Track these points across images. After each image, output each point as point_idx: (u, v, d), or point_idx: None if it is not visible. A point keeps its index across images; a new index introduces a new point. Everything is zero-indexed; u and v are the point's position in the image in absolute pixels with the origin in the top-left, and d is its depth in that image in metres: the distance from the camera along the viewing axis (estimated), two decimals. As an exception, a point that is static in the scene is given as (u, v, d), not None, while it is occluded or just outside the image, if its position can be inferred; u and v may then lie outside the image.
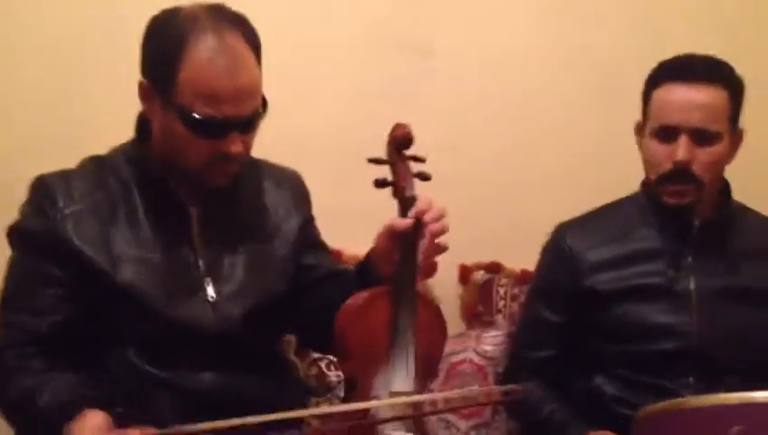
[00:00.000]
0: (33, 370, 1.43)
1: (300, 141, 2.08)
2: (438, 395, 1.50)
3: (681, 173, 1.66)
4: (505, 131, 2.24)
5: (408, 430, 1.40)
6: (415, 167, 1.52)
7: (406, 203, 1.49)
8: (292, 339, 1.87)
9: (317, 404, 1.85)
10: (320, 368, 1.92)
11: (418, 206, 1.47)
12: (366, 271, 1.53)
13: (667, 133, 1.67)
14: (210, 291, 1.49)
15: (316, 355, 1.92)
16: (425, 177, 1.52)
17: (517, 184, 2.24)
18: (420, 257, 1.47)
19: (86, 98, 2.07)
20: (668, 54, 1.75)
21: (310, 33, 2.17)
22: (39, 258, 1.47)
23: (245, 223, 1.56)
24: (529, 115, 2.25)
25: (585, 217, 1.84)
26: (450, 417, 1.95)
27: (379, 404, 1.38)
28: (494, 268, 2.15)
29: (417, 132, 1.54)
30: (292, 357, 1.90)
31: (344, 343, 1.45)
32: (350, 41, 2.19)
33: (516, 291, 2.10)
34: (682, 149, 1.64)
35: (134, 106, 1.50)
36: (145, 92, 1.46)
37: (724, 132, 1.68)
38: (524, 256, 1.97)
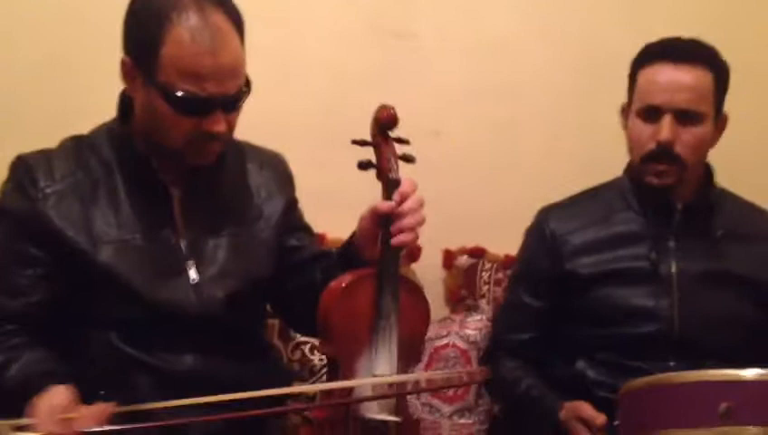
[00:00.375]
0: (7, 346, 1.42)
1: (283, 124, 2.07)
2: (421, 375, 1.49)
3: (664, 153, 1.67)
4: (490, 115, 2.24)
5: (390, 413, 1.40)
6: (399, 149, 1.51)
7: (390, 185, 1.48)
8: (275, 322, 1.87)
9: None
10: (303, 352, 1.92)
11: (402, 188, 1.47)
12: (349, 253, 1.53)
13: (652, 113, 1.68)
14: (192, 273, 1.48)
15: (300, 339, 1.91)
16: (409, 159, 1.51)
17: (501, 169, 2.24)
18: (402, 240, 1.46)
19: (85, 74, 2.06)
20: (654, 38, 1.75)
21: (294, 14, 2.16)
22: (18, 238, 1.45)
23: (228, 205, 1.55)
24: (513, 99, 2.25)
25: (568, 200, 1.85)
26: (434, 401, 1.96)
27: (362, 383, 1.39)
28: (478, 253, 2.15)
29: (401, 116, 1.53)
30: (276, 341, 1.90)
31: (327, 326, 1.45)
32: (334, 23, 2.18)
33: (500, 276, 2.11)
34: (666, 128, 1.65)
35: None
36: (127, 70, 1.44)
37: (708, 114, 1.69)
38: (508, 241, 1.97)
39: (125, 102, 1.50)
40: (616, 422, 1.49)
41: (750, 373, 1.29)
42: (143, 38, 1.40)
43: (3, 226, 1.48)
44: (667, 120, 1.65)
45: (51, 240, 1.44)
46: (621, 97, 1.77)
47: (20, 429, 1.25)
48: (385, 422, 1.41)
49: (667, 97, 1.66)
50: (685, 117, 1.66)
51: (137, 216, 1.47)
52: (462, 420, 1.96)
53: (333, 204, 1.90)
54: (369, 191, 1.52)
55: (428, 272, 2.08)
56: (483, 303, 2.09)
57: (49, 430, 1.25)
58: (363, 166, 1.49)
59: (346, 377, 1.42)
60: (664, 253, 1.72)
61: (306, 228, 1.67)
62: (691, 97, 1.66)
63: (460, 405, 1.96)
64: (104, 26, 1.97)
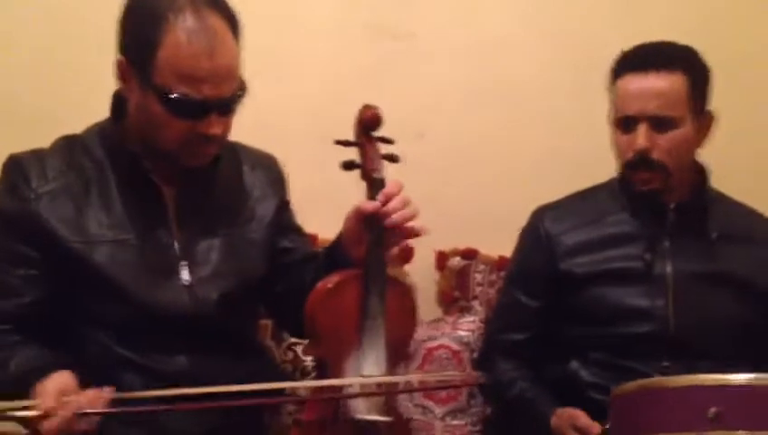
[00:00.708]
0: (9, 342, 1.43)
1: (276, 123, 2.07)
2: (412, 377, 1.50)
3: (643, 161, 1.68)
4: (485, 116, 2.23)
5: (380, 414, 1.41)
6: (383, 148, 1.51)
7: (374, 185, 1.48)
8: (268, 323, 1.87)
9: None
10: (295, 353, 1.92)
11: (387, 188, 1.47)
12: (336, 254, 1.53)
13: (628, 123, 1.69)
14: (185, 274, 1.49)
15: (292, 340, 1.91)
16: (393, 158, 1.51)
17: (495, 170, 2.24)
18: (392, 241, 1.46)
19: (71, 74, 2.06)
20: (646, 35, 1.75)
21: (288, 14, 2.16)
22: (11, 238, 1.46)
23: (222, 206, 1.55)
24: (508, 100, 2.24)
25: (562, 201, 1.85)
26: (426, 402, 1.96)
27: (350, 382, 1.39)
28: (471, 254, 2.14)
29: (391, 116, 1.54)
30: (268, 341, 1.90)
31: (314, 327, 1.45)
32: (330, 23, 2.18)
33: (493, 277, 2.10)
34: (641, 137, 1.67)
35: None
36: (122, 71, 1.44)
37: (684, 117, 1.69)
38: (501, 243, 1.97)
39: (118, 102, 1.50)
40: (607, 425, 1.49)
41: (740, 378, 1.29)
42: (139, 39, 1.41)
43: None
44: (641, 129, 1.67)
45: (44, 240, 1.44)
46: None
47: (22, 409, 1.27)
48: (374, 423, 1.41)
49: (639, 106, 1.67)
50: (659, 123, 1.67)
51: (130, 216, 1.48)
52: (455, 422, 1.95)
53: (326, 204, 1.89)
54: (361, 191, 1.52)
55: (421, 273, 2.07)
56: (476, 304, 2.09)
57: (50, 410, 1.27)
58: (347, 166, 1.50)
59: (334, 377, 1.42)
60: (658, 253, 1.72)
61: (298, 230, 1.67)
62: (662, 103, 1.66)
63: (453, 406, 1.96)
64: (97, 26, 1.98)
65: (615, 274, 1.71)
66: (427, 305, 2.04)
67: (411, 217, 1.46)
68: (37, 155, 1.50)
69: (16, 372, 1.37)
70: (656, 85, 1.66)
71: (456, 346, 1.99)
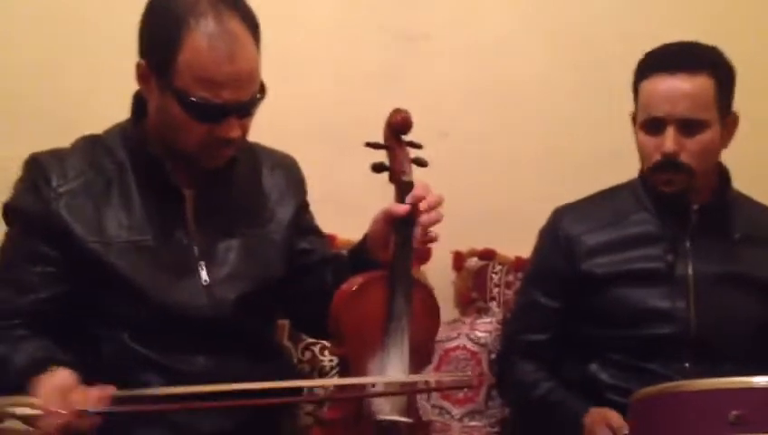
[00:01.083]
0: (13, 336, 1.42)
1: (293, 125, 2.07)
2: (433, 377, 1.50)
3: (670, 164, 1.67)
4: (499, 116, 2.24)
5: (401, 415, 1.41)
6: (412, 152, 1.52)
7: (403, 188, 1.48)
8: (285, 323, 1.87)
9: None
10: (313, 353, 1.92)
11: (416, 191, 1.47)
12: (361, 256, 1.53)
13: (655, 125, 1.68)
14: (204, 275, 1.49)
15: (309, 340, 1.91)
16: (421, 163, 1.52)
17: (511, 170, 2.24)
18: (416, 243, 1.47)
19: (84, 74, 2.05)
20: (657, 38, 1.75)
21: (303, 16, 2.16)
22: (30, 236, 1.46)
23: (241, 207, 1.55)
24: (523, 99, 2.24)
25: (582, 201, 1.84)
26: (444, 403, 1.96)
27: (374, 380, 1.39)
28: (488, 255, 2.14)
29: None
30: (286, 342, 1.90)
31: (339, 327, 1.45)
32: (344, 24, 2.18)
33: (510, 278, 2.10)
34: (669, 140, 1.65)
35: (133, 83, 1.48)
36: (142, 73, 1.44)
37: (713, 119, 1.68)
38: (518, 243, 1.97)
39: (139, 103, 1.50)
40: (625, 432, 1.50)
41: (762, 380, 1.28)
42: (160, 43, 1.41)
43: (15, 224, 1.49)
44: (669, 132, 1.65)
45: (63, 240, 1.44)
46: (631, 97, 1.76)
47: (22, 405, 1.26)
48: (396, 423, 1.40)
49: (668, 108, 1.65)
50: (688, 126, 1.66)
51: (149, 217, 1.48)
52: (473, 423, 1.95)
53: (343, 205, 1.90)
54: (378, 193, 1.53)
55: (438, 274, 2.07)
56: (493, 305, 2.09)
57: (50, 407, 1.26)
58: (377, 169, 1.50)
59: (357, 376, 1.42)
60: (680, 254, 1.71)
61: (317, 231, 1.67)
62: (691, 105, 1.65)
63: (471, 408, 1.96)
64: (104, 28, 2.01)
65: (636, 275, 1.71)
66: (444, 306, 2.01)
67: (438, 220, 1.46)
68: (58, 155, 1.50)
69: (22, 362, 1.37)
70: (684, 87, 1.65)
71: (473, 347, 1.99)
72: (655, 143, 1.67)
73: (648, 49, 1.74)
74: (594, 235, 1.76)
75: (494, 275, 2.12)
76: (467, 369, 1.94)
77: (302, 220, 1.63)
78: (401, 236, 1.45)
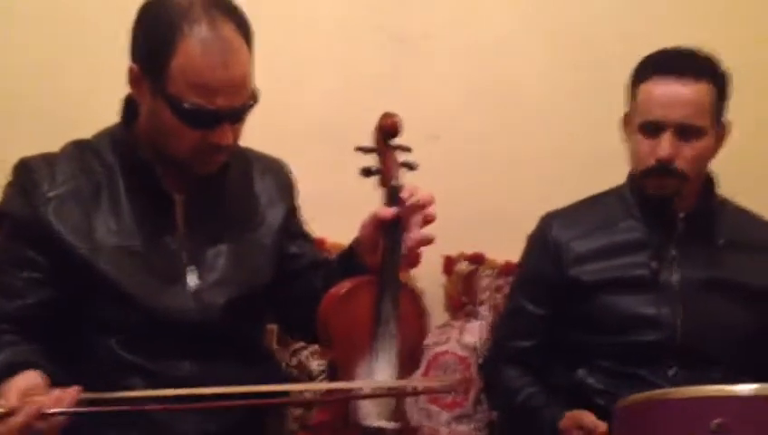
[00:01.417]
0: (1, 343, 1.42)
1: (284, 128, 2.07)
2: (420, 381, 1.50)
3: (664, 168, 1.67)
4: (491, 120, 2.24)
5: (389, 420, 1.41)
6: (401, 156, 1.52)
7: (392, 192, 1.48)
8: (274, 328, 1.87)
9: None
10: (301, 358, 1.92)
11: (405, 195, 1.47)
12: (350, 260, 1.53)
13: (652, 128, 1.68)
14: (192, 280, 1.49)
15: (298, 345, 1.91)
16: (411, 166, 1.52)
17: (502, 174, 2.24)
18: (405, 247, 1.47)
19: (79, 77, 2.06)
20: (654, 41, 1.75)
21: (291, 20, 2.16)
22: (18, 241, 1.46)
23: (230, 211, 1.55)
24: (515, 104, 2.25)
25: (571, 207, 1.85)
26: (432, 407, 1.96)
27: (360, 385, 1.39)
28: (478, 259, 2.15)
29: (402, 120, 1.53)
30: (274, 346, 1.90)
31: (327, 332, 1.45)
32: (338, 26, 2.18)
33: (500, 282, 2.11)
34: (666, 144, 1.65)
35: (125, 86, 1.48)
36: (135, 78, 1.44)
37: (709, 127, 1.68)
38: (508, 248, 1.98)
39: (129, 107, 1.50)
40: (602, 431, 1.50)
41: (744, 389, 1.28)
42: (153, 48, 1.40)
43: (4, 228, 1.49)
44: (666, 136, 1.65)
45: (51, 244, 1.44)
46: (624, 100, 1.77)
47: None
48: (383, 429, 1.40)
49: (666, 112, 1.65)
50: (685, 131, 1.66)
51: (138, 222, 1.48)
52: (460, 428, 1.96)
53: (333, 209, 1.90)
54: (369, 196, 1.53)
55: (428, 278, 2.08)
56: (482, 309, 2.09)
57: (13, 408, 1.25)
58: (366, 173, 1.50)
59: (345, 381, 1.42)
60: (666, 261, 1.72)
61: (306, 236, 1.67)
62: (690, 111, 1.65)
63: (458, 412, 1.96)
64: (101, 30, 2.01)
65: (623, 282, 1.72)
66: (433, 311, 2.04)
67: (432, 219, 1.46)
68: (47, 159, 1.50)
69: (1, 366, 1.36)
70: (684, 92, 1.65)
71: (462, 352, 1.99)
72: (651, 146, 1.67)
73: (647, 50, 1.74)
74: (582, 241, 1.76)
75: (483, 280, 2.12)
76: (456, 373, 1.94)
77: (292, 225, 1.63)
78: (389, 240, 1.46)
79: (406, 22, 2.20)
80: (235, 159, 1.54)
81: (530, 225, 1.87)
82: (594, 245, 1.75)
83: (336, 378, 1.45)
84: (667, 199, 1.71)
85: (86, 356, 1.45)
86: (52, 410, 1.26)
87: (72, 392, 1.29)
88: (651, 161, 1.68)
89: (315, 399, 1.55)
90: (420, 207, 1.46)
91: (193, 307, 1.47)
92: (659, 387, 1.57)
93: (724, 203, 1.81)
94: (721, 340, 1.69)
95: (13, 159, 1.51)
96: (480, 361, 1.97)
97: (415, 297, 1.53)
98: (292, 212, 1.64)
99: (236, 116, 1.43)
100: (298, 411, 1.82)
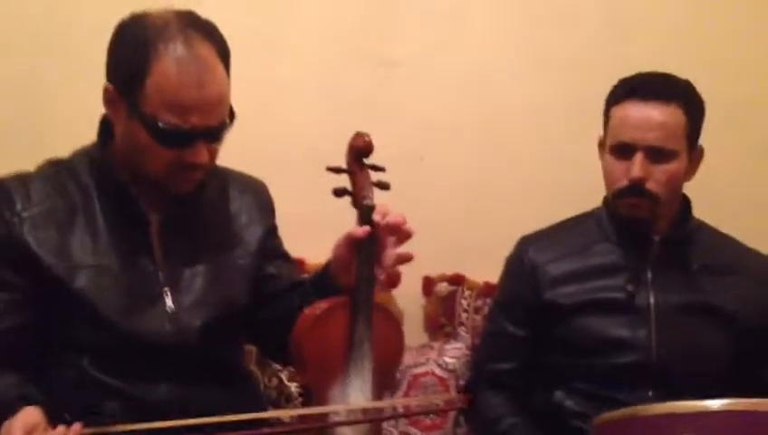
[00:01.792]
0: None
1: (265, 149, 2.08)
2: (397, 401, 1.49)
3: (636, 189, 1.68)
4: (470, 142, 2.25)
5: (366, 441, 1.40)
6: (374, 176, 1.52)
7: (364, 212, 1.48)
8: (252, 349, 1.86)
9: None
10: (280, 379, 1.91)
11: (377, 215, 1.47)
12: (324, 281, 1.53)
13: (624, 150, 1.69)
14: (169, 301, 1.48)
15: (277, 366, 1.90)
16: (384, 186, 1.52)
17: (481, 196, 2.25)
18: (384, 265, 1.46)
19: (57, 96, 2.06)
20: (637, 66, 1.77)
21: (274, 42, 2.17)
22: None
23: (207, 232, 1.55)
24: (494, 126, 2.26)
25: (547, 230, 1.85)
26: (411, 429, 1.95)
27: (335, 409, 1.38)
28: (458, 280, 2.15)
29: (380, 143, 1.54)
30: (253, 368, 1.89)
31: (300, 354, 1.44)
32: (315, 50, 2.19)
33: (479, 303, 2.11)
34: (637, 166, 1.67)
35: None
36: (110, 97, 1.44)
37: (681, 150, 1.70)
38: (488, 269, 1.98)
39: (105, 127, 1.50)
40: None
41: (714, 404, 1.29)
42: (128, 67, 1.40)
43: None
44: (638, 158, 1.67)
45: (26, 265, 1.43)
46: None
47: None
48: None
49: (638, 135, 1.67)
50: (656, 154, 1.67)
51: (114, 242, 1.47)
52: (439, 450, 1.95)
53: (314, 229, 1.89)
54: (349, 217, 1.53)
55: (408, 299, 2.08)
56: (462, 330, 2.09)
57: None
58: (338, 193, 1.50)
59: (320, 404, 1.41)
60: (642, 284, 1.73)
61: (285, 256, 1.67)
62: (662, 134, 1.67)
63: (438, 434, 1.95)
64: (79, 48, 2.02)
65: (599, 304, 1.72)
66: (413, 331, 2.04)
67: (408, 236, 1.46)
68: (22, 179, 1.49)
69: None
70: (656, 115, 1.67)
71: (441, 373, 1.99)
72: (622, 168, 1.69)
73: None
74: (558, 264, 1.77)
75: (463, 301, 2.12)
76: (436, 394, 1.93)
77: (270, 245, 1.63)
78: (363, 260, 1.45)
79: (388, 46, 2.21)
80: (212, 178, 1.54)
81: (509, 246, 1.87)
82: (570, 267, 1.76)
83: (311, 400, 1.44)
84: (640, 221, 1.72)
85: (60, 379, 1.44)
86: None
87: (76, 429, 1.28)
88: (623, 182, 1.69)
89: (292, 426, 1.53)
90: (394, 226, 1.45)
91: (169, 330, 1.46)
92: (634, 408, 1.57)
93: (701, 227, 1.81)
94: (696, 363, 1.69)
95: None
96: (461, 382, 1.96)
97: (390, 318, 1.53)
98: (270, 232, 1.63)
99: (212, 135, 1.43)
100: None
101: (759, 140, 2.30)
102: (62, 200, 1.48)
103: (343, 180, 1.52)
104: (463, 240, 2.20)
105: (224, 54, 1.43)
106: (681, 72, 1.75)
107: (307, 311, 1.46)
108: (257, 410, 1.50)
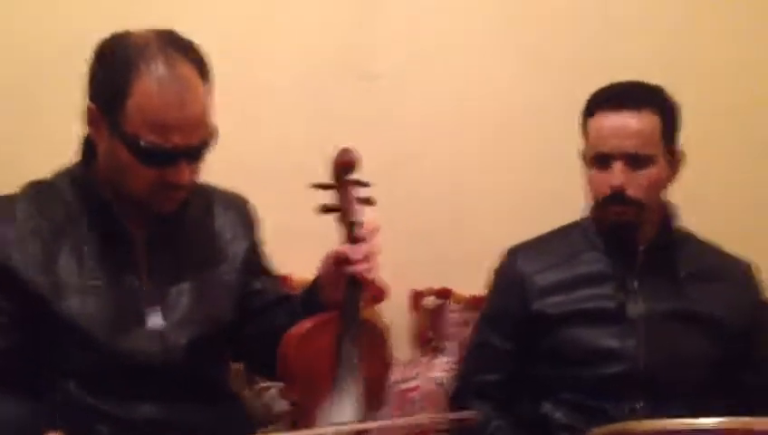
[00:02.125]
0: None
1: (249, 164, 2.07)
2: (384, 423, 1.48)
3: (618, 197, 1.70)
4: (456, 156, 2.24)
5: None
6: (360, 192, 1.52)
7: (350, 228, 1.48)
8: (239, 368, 1.85)
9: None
10: (268, 396, 1.89)
11: (362, 231, 1.47)
12: (312, 297, 1.53)
13: (603, 160, 1.71)
14: (155, 320, 1.47)
15: (263, 384, 1.89)
16: (369, 202, 1.52)
17: (468, 209, 2.24)
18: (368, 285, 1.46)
19: (32, 115, 2.05)
20: (619, 74, 1.78)
21: (255, 57, 2.17)
22: None
23: (192, 249, 1.54)
24: (479, 139, 2.25)
25: (534, 241, 1.86)
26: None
27: (323, 432, 1.37)
28: (445, 294, 2.14)
29: (364, 156, 1.54)
30: (240, 385, 1.87)
31: (288, 371, 1.44)
32: (295, 64, 2.19)
33: (467, 316, 2.09)
34: (616, 174, 1.69)
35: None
36: (92, 117, 1.44)
37: (659, 155, 1.72)
38: (475, 282, 1.96)
39: (88, 147, 1.49)
40: None
41: (709, 422, 1.29)
42: (109, 87, 1.40)
43: None
44: (617, 166, 1.69)
45: (12, 287, 1.42)
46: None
47: None
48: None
49: (615, 144, 1.69)
50: (635, 161, 1.70)
51: (99, 261, 1.46)
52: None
53: (299, 245, 1.88)
54: (335, 232, 1.52)
55: (395, 313, 2.07)
56: (450, 344, 2.08)
57: None
58: (324, 210, 1.50)
59: (308, 422, 1.40)
60: (629, 293, 1.73)
61: (270, 272, 1.66)
62: (638, 141, 1.69)
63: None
64: (59, 66, 2.01)
65: (587, 314, 1.73)
66: (401, 346, 2.04)
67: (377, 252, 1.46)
68: (6, 201, 1.49)
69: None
70: (631, 123, 1.69)
71: (430, 387, 1.98)
72: (603, 178, 1.71)
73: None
74: (546, 274, 1.77)
75: (450, 314, 2.12)
76: (424, 409, 1.92)
77: (255, 261, 1.62)
78: (350, 276, 1.45)
79: (370, 58, 2.21)
80: (196, 195, 1.54)
81: (496, 259, 1.87)
82: (558, 277, 1.77)
83: (299, 417, 1.44)
84: (627, 227, 1.73)
85: (47, 401, 1.43)
86: None
87: None
88: (606, 191, 1.71)
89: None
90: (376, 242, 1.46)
91: (156, 348, 1.46)
92: (625, 420, 1.56)
93: (685, 235, 1.82)
94: (685, 371, 1.70)
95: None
96: (449, 395, 1.96)
97: (378, 333, 1.53)
98: (254, 248, 1.63)
99: (193, 154, 1.43)
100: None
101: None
102: (47, 220, 1.47)
103: (329, 196, 1.51)
104: (449, 253, 2.19)
105: (205, 73, 1.44)
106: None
107: (295, 328, 1.45)
108: (244, 430, 1.51)
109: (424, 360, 2.05)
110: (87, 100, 1.44)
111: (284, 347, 1.44)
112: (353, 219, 1.48)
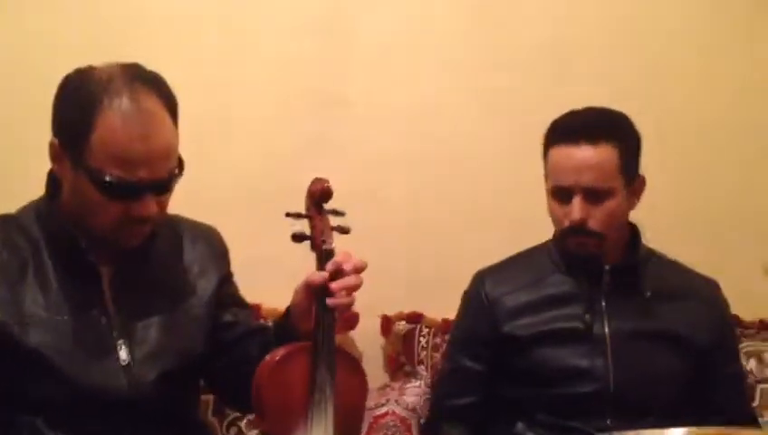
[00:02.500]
0: None
1: (218, 193, 2.07)
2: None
3: (579, 230, 1.70)
4: (425, 181, 2.26)
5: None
6: (334, 220, 1.52)
7: (324, 257, 1.48)
8: (209, 399, 1.83)
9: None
10: (239, 428, 1.88)
11: (336, 259, 1.47)
12: (285, 327, 1.52)
13: (562, 194, 1.71)
14: (123, 354, 1.46)
15: (235, 415, 1.87)
16: (344, 230, 1.51)
17: (437, 235, 2.25)
18: (341, 314, 1.46)
19: (8, 149, 2.04)
20: (587, 103, 1.77)
21: (225, 85, 2.17)
22: None
23: (160, 282, 1.53)
24: (447, 166, 2.27)
25: (501, 264, 1.87)
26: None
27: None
28: (416, 318, 2.15)
29: (334, 183, 1.54)
30: (210, 418, 1.86)
31: (261, 401, 1.42)
32: (265, 92, 2.19)
33: (438, 340, 2.10)
34: (576, 209, 1.69)
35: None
36: (56, 152, 1.43)
37: (618, 186, 1.71)
38: (445, 306, 1.97)
39: (53, 181, 1.48)
40: None
41: (676, 432, 1.31)
42: (73, 122, 1.39)
43: None
44: (576, 201, 1.69)
45: None
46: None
47: None
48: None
49: (574, 178, 1.69)
50: (593, 195, 1.69)
51: (66, 296, 1.45)
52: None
53: (269, 274, 1.89)
54: (305, 261, 1.52)
55: (367, 339, 2.07)
56: (421, 369, 2.08)
57: None
58: (297, 238, 1.49)
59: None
60: (596, 313, 1.75)
61: (241, 303, 1.65)
62: (597, 175, 1.68)
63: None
64: (31, 100, 1.98)
65: (556, 334, 1.74)
66: (373, 372, 2.02)
67: (358, 286, 1.45)
68: None
69: None
70: (588, 157, 1.68)
71: (402, 413, 1.97)
72: (563, 211, 1.71)
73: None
74: (514, 296, 1.78)
75: (421, 339, 2.12)
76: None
77: (225, 293, 1.61)
78: (322, 305, 1.45)
79: (341, 85, 2.22)
80: (164, 228, 1.53)
81: (466, 282, 1.88)
82: (526, 299, 1.77)
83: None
84: (589, 257, 1.74)
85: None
86: None
87: None
88: (566, 223, 1.71)
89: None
90: (352, 271, 1.45)
91: (124, 383, 1.44)
92: (596, 438, 1.59)
93: (651, 254, 1.84)
94: (654, 389, 1.71)
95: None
96: (422, 421, 1.96)
97: (352, 361, 1.52)
98: (225, 280, 1.62)
99: (159, 188, 1.42)
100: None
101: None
102: (12, 255, 1.46)
103: (302, 225, 1.51)
104: (419, 278, 2.20)
105: (171, 106, 1.43)
106: (623, 108, 1.76)
107: (267, 357, 1.44)
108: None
109: (396, 385, 2.04)
110: (51, 135, 1.43)
111: (257, 376, 1.43)
112: (326, 247, 1.48)
